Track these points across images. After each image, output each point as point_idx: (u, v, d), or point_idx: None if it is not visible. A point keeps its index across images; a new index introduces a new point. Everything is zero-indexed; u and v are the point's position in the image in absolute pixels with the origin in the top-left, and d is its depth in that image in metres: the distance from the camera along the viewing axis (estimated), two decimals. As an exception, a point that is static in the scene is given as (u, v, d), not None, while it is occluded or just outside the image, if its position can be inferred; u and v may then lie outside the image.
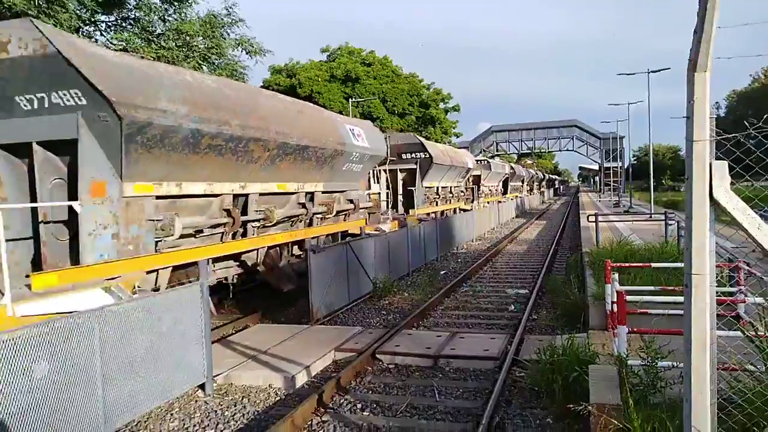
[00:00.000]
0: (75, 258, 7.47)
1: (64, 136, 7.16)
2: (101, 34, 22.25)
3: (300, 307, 11.95)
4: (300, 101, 13.13)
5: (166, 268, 8.63)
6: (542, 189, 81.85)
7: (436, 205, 26.49)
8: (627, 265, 9.75)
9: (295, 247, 12.89)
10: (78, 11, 18.71)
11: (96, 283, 7.15)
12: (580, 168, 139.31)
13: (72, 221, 7.51)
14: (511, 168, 51.39)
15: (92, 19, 21.25)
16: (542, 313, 11.39)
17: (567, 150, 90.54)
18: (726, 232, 3.16)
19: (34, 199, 7.60)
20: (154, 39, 21.56)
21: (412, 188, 23.61)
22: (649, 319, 6.52)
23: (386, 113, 45.27)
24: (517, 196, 50.09)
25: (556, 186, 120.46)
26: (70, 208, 7.35)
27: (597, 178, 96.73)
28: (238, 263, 10.94)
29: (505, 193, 47.83)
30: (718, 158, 2.90)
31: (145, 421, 6.37)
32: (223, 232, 10.00)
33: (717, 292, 3.09)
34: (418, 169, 23.59)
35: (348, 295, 12.13)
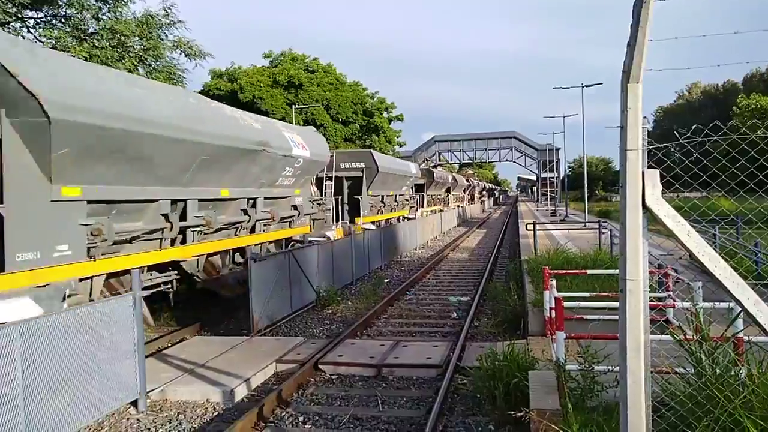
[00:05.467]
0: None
1: None
2: (28, 31, 21.13)
3: (240, 318, 11.63)
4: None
5: (100, 275, 8.19)
6: (483, 198, 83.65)
7: (381, 213, 26.57)
8: (564, 272, 10.06)
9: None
10: (4, 6, 17.70)
11: (24, 291, 6.71)
12: (519, 178, 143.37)
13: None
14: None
15: (19, 15, 20.15)
16: (483, 320, 11.55)
17: (506, 161, 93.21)
18: (656, 240, 3.27)
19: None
20: (87, 38, 20.65)
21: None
22: (585, 324, 6.72)
23: (330, 121, 45.04)
24: (458, 205, 50.92)
25: (496, 196, 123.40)
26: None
27: (534, 188, 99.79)
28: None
29: (447, 202, 48.53)
30: (650, 167, 3.00)
31: (72, 442, 5.99)
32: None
33: (649, 297, 3.18)
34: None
35: (290, 305, 11.90)
